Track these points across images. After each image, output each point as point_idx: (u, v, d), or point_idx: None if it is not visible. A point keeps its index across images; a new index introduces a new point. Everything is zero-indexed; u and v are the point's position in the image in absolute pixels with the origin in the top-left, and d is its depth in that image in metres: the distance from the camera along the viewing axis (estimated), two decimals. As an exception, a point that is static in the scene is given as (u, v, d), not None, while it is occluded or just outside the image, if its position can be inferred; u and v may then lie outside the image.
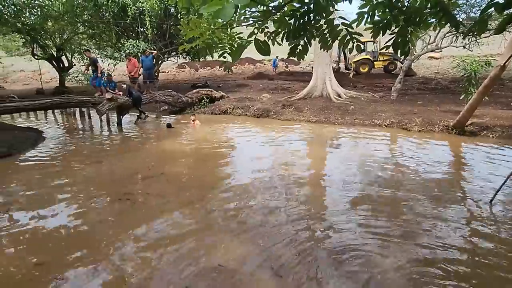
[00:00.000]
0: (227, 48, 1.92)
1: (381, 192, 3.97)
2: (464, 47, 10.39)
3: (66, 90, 13.70)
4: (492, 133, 6.31)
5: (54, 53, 15.59)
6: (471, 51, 10.19)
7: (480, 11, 1.86)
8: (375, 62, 16.80)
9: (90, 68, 9.55)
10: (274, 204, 3.65)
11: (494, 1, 1.61)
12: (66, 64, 16.52)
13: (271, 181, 4.31)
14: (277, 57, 20.21)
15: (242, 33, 2.05)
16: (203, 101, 10.17)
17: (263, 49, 1.67)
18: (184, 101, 9.87)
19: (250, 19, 2.08)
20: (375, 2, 1.82)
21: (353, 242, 2.86)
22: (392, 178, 4.42)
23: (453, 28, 1.83)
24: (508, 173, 3.50)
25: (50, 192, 4.15)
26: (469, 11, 9.87)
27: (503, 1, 1.61)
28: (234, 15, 1.80)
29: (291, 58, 2.20)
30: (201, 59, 15.98)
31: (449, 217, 3.29)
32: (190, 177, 4.60)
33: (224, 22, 2.05)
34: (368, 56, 16.66)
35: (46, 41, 15.27)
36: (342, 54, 17.72)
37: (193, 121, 7.98)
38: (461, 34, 9.14)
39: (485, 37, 9.45)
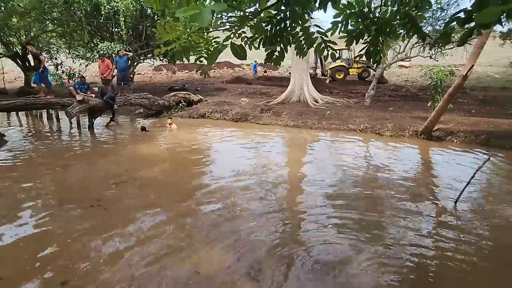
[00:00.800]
0: (203, 52, 1.89)
1: (354, 192, 4.12)
2: (431, 57, 11.06)
3: (32, 91, 12.84)
4: (456, 138, 6.74)
5: (19, 51, 14.63)
6: (437, 61, 10.86)
7: (444, 24, 1.99)
8: (350, 69, 17.42)
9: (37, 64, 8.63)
10: (252, 208, 3.64)
11: (456, 15, 1.73)
12: (33, 63, 15.54)
13: (249, 185, 4.30)
14: (256, 61, 20.36)
15: (218, 37, 2.04)
16: (180, 104, 9.99)
17: (239, 53, 1.67)
18: (161, 104, 9.63)
19: (227, 24, 2.07)
20: (348, 12, 1.88)
21: (329, 242, 2.91)
22: (365, 180, 4.59)
23: (420, 39, 1.94)
24: (470, 176, 3.74)
25: (13, 199, 3.86)
26: (434, 24, 10.54)
27: (464, 16, 1.72)
28: (211, 19, 1.78)
29: (269, 63, 2.23)
30: (178, 62, 15.71)
31: (418, 217, 3.46)
32: (166, 182, 4.48)
33: (201, 26, 2.04)
34: (343, 63, 17.25)
35: (10, 38, 14.30)
36: (318, 61, 18.21)
37: (169, 124, 7.80)
38: (427, 45, 9.73)
39: (449, 48, 10.13)
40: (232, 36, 1.70)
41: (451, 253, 2.82)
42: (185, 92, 10.89)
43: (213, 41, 2.00)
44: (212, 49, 1.76)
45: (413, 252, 2.81)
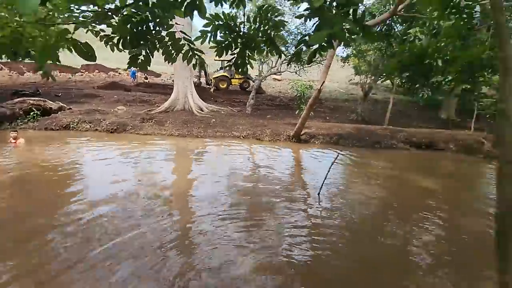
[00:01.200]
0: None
1: (240, 190, 4.47)
2: (296, 72, 13.09)
3: None
4: (317, 140, 8.18)
5: None
6: (300, 76, 12.95)
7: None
8: (232, 80, 18.47)
9: None
10: (131, 230, 3.22)
11: (303, 39, 2.06)
12: None
13: (128, 204, 3.80)
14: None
15: (72, 32, 1.70)
16: (32, 113, 7.98)
17: (86, 52, 1.43)
18: (1, 112, 7.41)
19: (80, 18, 1.77)
20: (216, 23, 1.94)
21: (217, 245, 2.90)
22: (250, 179, 5.00)
23: (278, 56, 2.20)
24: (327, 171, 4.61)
25: None
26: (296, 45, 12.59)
27: (308, 40, 2.07)
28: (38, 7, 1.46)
29: (150, 69, 2.01)
30: (28, 60, 12.54)
31: (292, 203, 4.10)
32: (7, 215, 3.40)
33: (41, 16, 1.65)
34: (226, 74, 18.12)
35: None
36: (202, 70, 18.44)
37: (14, 139, 6.07)
38: (286, 62, 11.50)
39: (308, 66, 12.27)
40: (73, 31, 1.44)
41: (318, 229, 3.48)
42: (38, 98, 8.78)
43: (59, 36, 1.66)
44: (44, 45, 1.43)
45: (290, 233, 3.36)
